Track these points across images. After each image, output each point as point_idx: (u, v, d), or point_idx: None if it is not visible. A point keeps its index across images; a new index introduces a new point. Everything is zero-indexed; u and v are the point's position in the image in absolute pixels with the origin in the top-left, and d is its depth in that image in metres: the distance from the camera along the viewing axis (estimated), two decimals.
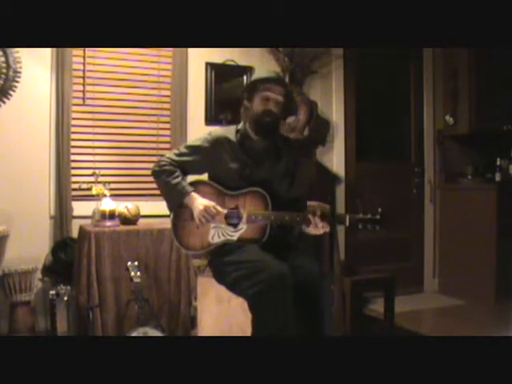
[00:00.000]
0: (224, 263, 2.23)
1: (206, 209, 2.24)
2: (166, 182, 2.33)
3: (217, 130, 2.46)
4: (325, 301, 2.15)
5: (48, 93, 3.55)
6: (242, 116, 2.41)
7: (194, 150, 2.39)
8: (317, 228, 2.17)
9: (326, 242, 3.47)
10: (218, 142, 2.35)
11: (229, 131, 2.40)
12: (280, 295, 1.97)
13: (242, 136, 2.37)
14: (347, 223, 2.16)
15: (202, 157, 2.37)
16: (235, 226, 2.27)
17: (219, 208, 2.27)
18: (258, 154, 2.35)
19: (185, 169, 2.38)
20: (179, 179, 2.32)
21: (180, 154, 2.39)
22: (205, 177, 2.44)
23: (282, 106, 2.35)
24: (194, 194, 2.29)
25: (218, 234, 2.28)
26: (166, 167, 2.35)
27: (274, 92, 2.31)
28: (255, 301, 2.02)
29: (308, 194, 2.45)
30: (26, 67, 3.46)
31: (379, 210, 2.13)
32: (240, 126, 2.41)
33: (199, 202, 2.27)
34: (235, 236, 2.26)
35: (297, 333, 2.03)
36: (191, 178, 2.43)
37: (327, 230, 2.18)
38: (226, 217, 2.28)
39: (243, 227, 2.25)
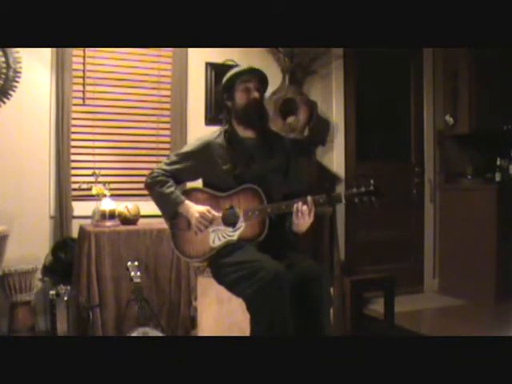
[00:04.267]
0: (223, 265, 2.22)
1: (202, 215, 2.25)
2: (159, 192, 2.33)
3: (205, 135, 2.43)
4: (324, 300, 2.14)
5: (48, 93, 3.55)
6: (225, 117, 2.41)
7: (184, 156, 2.39)
8: (303, 216, 2.15)
9: (325, 241, 3.48)
10: (207, 147, 2.34)
11: (216, 134, 2.39)
12: (276, 294, 1.96)
13: (230, 136, 2.36)
14: (343, 200, 2.15)
15: (194, 162, 2.36)
16: (233, 225, 2.26)
17: (214, 212, 2.27)
18: (247, 152, 2.34)
19: (177, 177, 2.38)
20: (172, 189, 2.33)
21: (171, 163, 2.39)
22: (199, 184, 2.43)
23: (263, 94, 2.39)
24: (188, 203, 2.30)
25: (218, 236, 2.27)
26: (159, 178, 2.35)
27: (253, 82, 2.34)
28: (252, 301, 2.02)
29: (305, 191, 2.38)
30: (26, 67, 3.46)
31: (371, 181, 2.14)
32: (226, 127, 2.40)
33: (194, 210, 2.27)
34: (235, 236, 2.25)
35: (296, 333, 2.03)
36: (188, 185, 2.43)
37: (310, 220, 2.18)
38: (223, 218, 2.27)
39: (242, 225, 2.24)
